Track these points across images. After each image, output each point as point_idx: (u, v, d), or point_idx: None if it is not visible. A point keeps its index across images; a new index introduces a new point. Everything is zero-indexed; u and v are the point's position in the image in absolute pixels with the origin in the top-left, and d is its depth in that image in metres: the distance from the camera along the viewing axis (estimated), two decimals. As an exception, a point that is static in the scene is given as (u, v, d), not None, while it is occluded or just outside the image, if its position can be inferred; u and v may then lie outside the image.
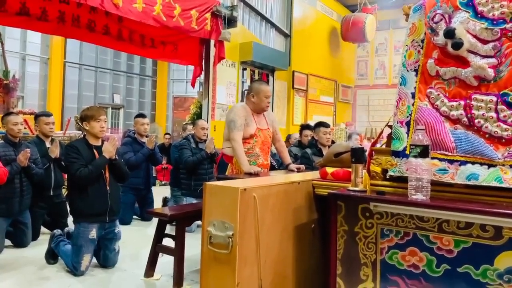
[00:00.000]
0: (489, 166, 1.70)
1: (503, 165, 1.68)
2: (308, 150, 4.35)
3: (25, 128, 4.56)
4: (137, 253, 3.61)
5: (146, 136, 4.98)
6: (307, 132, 5.14)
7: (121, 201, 3.62)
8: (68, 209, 3.44)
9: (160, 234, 3.06)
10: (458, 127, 1.79)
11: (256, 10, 7.83)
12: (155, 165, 5.87)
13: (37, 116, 4.23)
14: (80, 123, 3.33)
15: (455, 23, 1.83)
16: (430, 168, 1.74)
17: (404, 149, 1.88)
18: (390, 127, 2.01)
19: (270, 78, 8.21)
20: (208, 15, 5.61)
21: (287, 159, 3.61)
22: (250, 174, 3.02)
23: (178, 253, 2.89)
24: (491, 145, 1.71)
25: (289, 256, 2.24)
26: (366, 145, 5.32)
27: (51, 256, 3.30)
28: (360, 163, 2.02)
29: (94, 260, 3.21)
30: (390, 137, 2.00)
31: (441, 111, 1.83)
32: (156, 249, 3.05)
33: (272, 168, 4.19)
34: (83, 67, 9.56)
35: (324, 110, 10.05)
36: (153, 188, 5.30)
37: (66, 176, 3.94)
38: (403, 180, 1.85)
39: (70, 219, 3.45)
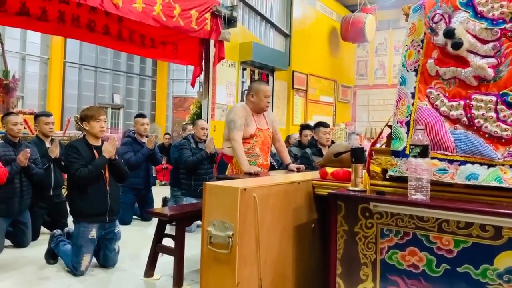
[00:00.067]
0: (489, 166, 1.70)
1: (503, 165, 1.68)
2: (308, 150, 4.36)
3: (25, 128, 4.56)
4: (137, 253, 3.61)
5: (146, 136, 4.98)
6: (307, 132, 5.14)
7: (121, 201, 3.62)
8: (68, 209, 3.44)
9: (160, 234, 3.06)
10: (458, 127, 1.79)
11: (256, 10, 7.82)
12: (155, 165, 5.87)
13: (37, 116, 4.23)
14: (80, 123, 3.33)
15: (454, 23, 1.83)
16: (430, 168, 1.74)
17: (404, 149, 1.88)
18: (390, 127, 2.01)
19: (270, 78, 8.20)
20: (208, 15, 5.61)
21: (287, 159, 3.61)
22: (250, 174, 3.01)
23: (178, 253, 2.89)
24: (491, 145, 1.71)
25: (289, 256, 2.25)
26: (366, 145, 5.33)
27: (51, 256, 3.30)
28: (360, 163, 2.03)
29: (94, 260, 3.21)
30: (390, 137, 2.00)
31: (440, 111, 1.83)
32: (156, 249, 3.05)
33: (272, 168, 4.19)
34: (83, 67, 9.55)
35: (324, 110, 10.04)
36: (153, 188, 5.30)
37: (66, 176, 3.94)
38: (403, 180, 1.85)
39: (70, 219, 3.45)
